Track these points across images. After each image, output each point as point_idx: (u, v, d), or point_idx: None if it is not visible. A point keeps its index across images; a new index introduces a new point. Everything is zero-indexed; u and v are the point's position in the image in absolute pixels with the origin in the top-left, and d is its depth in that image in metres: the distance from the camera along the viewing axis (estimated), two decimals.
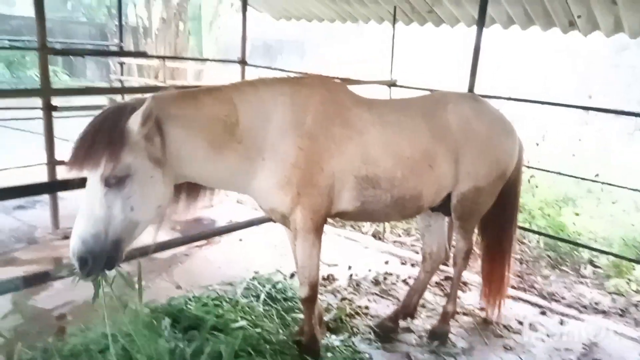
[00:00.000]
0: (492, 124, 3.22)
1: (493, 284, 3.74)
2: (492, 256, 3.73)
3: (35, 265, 4.27)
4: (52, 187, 3.85)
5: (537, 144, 6.81)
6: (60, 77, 15.29)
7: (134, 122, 2.18)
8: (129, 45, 13.54)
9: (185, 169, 2.44)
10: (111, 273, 2.44)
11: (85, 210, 2.19)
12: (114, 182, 2.17)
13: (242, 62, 5.98)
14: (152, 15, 14.67)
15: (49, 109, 4.44)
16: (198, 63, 11.74)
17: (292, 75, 5.83)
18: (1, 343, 3.01)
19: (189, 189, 2.69)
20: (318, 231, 2.81)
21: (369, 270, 4.58)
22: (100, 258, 2.21)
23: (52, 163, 4.58)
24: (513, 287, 4.63)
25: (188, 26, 14.17)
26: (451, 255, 3.84)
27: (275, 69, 6.36)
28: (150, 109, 2.19)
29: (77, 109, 5.32)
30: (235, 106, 2.54)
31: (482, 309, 4.03)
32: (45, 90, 4.41)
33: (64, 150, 4.80)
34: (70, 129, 5.32)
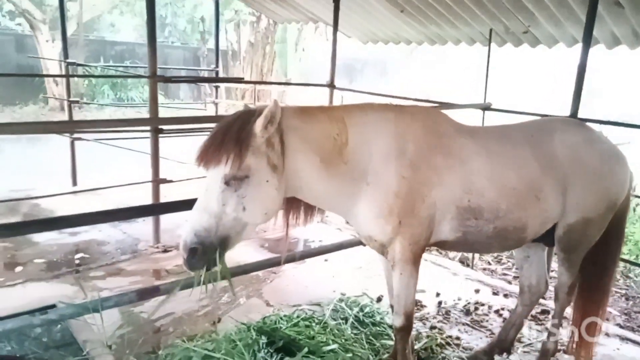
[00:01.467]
0: (602, 153, 3.04)
1: (585, 323, 3.38)
2: (589, 291, 3.40)
3: (139, 276, 4.61)
4: (157, 209, 4.15)
5: None
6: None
7: (258, 124, 2.32)
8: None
9: (297, 180, 2.52)
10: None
11: (201, 205, 2.32)
12: (233, 181, 2.30)
13: (331, 85, 6.12)
14: (241, 39, 15.50)
15: (156, 132, 4.81)
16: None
17: (377, 97, 5.88)
18: (112, 351, 3.25)
19: (293, 206, 2.76)
20: (416, 261, 2.78)
21: (459, 299, 4.44)
22: (209, 251, 2.32)
23: (157, 181, 4.93)
24: (619, 326, 4.28)
25: (274, 49, 14.77)
26: (550, 288, 3.62)
27: (361, 92, 6.42)
28: (271, 113, 2.31)
29: (176, 132, 5.75)
30: (346, 127, 2.60)
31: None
32: (155, 120, 4.78)
33: (164, 169, 5.23)
34: (170, 148, 5.76)
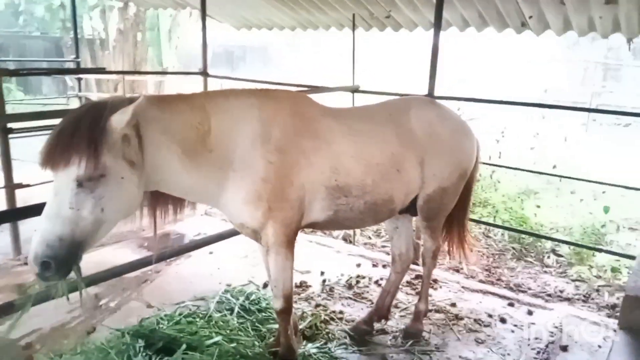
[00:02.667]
0: (453, 127, 3.32)
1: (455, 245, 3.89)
2: (451, 237, 3.85)
3: None
4: (14, 215, 3.71)
5: (497, 141, 7.02)
6: (14, 95, 14.76)
7: (120, 120, 2.14)
8: (85, 59, 13.18)
9: (159, 174, 2.41)
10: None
11: (52, 211, 2.12)
12: (88, 182, 2.12)
13: (204, 73, 5.94)
14: (109, 26, 14.39)
15: (4, 131, 4.31)
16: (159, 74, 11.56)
17: (255, 85, 5.84)
18: None
19: (159, 201, 2.66)
20: (290, 244, 2.83)
21: (342, 275, 4.62)
22: (65, 261, 2.14)
23: (11, 187, 4.44)
24: (481, 281, 4.78)
25: (146, 36, 13.93)
26: (420, 254, 3.92)
27: (237, 79, 6.32)
28: (140, 109, 2.17)
29: (34, 130, 5.19)
30: (208, 114, 2.53)
31: (453, 304, 4.14)
32: (1, 117, 4.26)
33: (21, 173, 4.72)
34: (24, 149, 5.19)
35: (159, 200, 2.66)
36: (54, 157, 2.11)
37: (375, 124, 3.10)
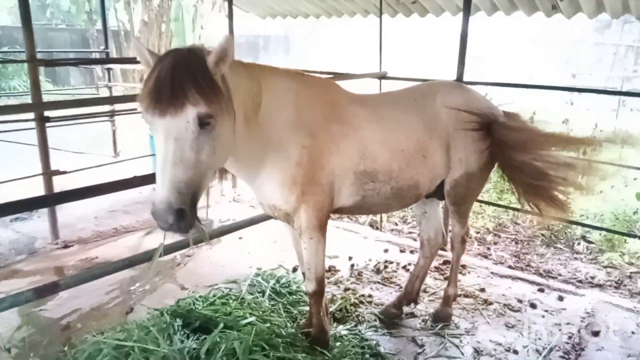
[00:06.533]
0: (480, 111, 3.28)
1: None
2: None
3: (39, 275, 4.30)
4: (55, 199, 3.84)
5: None
6: (43, 86, 15.10)
7: (210, 60, 2.12)
8: (111, 50, 13.40)
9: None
10: None
11: (174, 157, 2.03)
12: (206, 124, 2.07)
13: None
14: (133, 18, 14.59)
15: (41, 120, 4.45)
16: None
17: None
18: (14, 354, 3.05)
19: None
20: (322, 228, 2.87)
21: (369, 260, 4.66)
22: (194, 208, 2.10)
23: (48, 174, 4.59)
24: (510, 267, 4.75)
25: (170, 27, 14.08)
26: (448, 240, 3.92)
27: None
28: (223, 49, 2.12)
29: (68, 119, 5.34)
30: (261, 89, 2.53)
31: (482, 289, 4.14)
32: (39, 105, 4.40)
33: (57, 160, 4.87)
34: (58, 138, 5.34)
35: None
36: (167, 101, 2.01)
37: (400, 110, 3.10)
